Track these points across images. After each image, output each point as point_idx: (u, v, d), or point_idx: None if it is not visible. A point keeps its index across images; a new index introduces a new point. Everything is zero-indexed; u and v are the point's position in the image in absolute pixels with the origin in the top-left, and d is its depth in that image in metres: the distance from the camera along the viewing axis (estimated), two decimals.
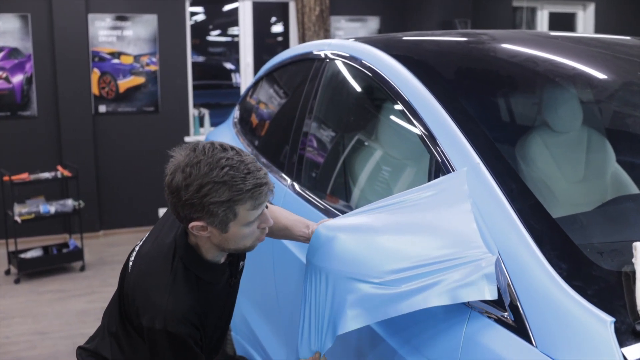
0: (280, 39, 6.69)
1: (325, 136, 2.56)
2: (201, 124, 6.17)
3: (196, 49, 6.25)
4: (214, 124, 6.19)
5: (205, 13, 6.40)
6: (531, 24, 6.98)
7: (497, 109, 2.41)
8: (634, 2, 7.09)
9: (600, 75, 2.14)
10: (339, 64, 2.33)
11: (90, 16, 5.68)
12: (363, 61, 2.05)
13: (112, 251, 5.48)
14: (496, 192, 1.36)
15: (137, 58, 5.79)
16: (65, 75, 5.64)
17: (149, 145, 5.90)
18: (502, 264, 1.26)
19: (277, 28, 6.74)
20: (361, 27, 6.47)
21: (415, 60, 1.93)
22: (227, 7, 6.43)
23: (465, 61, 2.06)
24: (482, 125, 1.58)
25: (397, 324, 1.45)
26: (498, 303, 1.25)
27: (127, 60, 5.79)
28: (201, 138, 5.99)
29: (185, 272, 1.49)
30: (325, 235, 1.48)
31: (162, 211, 5.98)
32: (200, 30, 6.40)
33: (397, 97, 1.78)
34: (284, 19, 6.53)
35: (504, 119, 2.46)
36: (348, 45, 2.26)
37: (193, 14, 6.08)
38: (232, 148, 1.40)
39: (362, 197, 2.26)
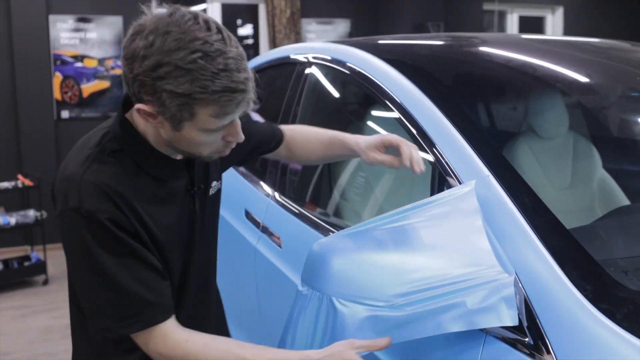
0: (250, 41, 6.55)
1: None
2: None
3: None
4: None
5: None
6: (501, 27, 6.99)
7: (488, 114, 2.34)
8: (602, 6, 7.17)
9: (586, 80, 2.08)
10: (324, 68, 2.22)
11: (52, 17, 5.46)
12: (350, 65, 1.95)
13: None
14: (509, 207, 1.26)
15: (101, 61, 5.59)
16: (25, 79, 5.40)
17: None
18: (521, 285, 1.17)
19: (247, 30, 6.61)
20: (332, 30, 6.38)
21: (408, 63, 1.83)
22: (195, 9, 6.26)
23: (453, 64, 1.98)
24: (484, 131, 1.49)
25: (403, 349, 1.35)
26: (517, 327, 1.16)
27: (91, 63, 5.59)
28: None
29: (118, 153, 1.19)
30: (321, 253, 1.36)
31: None
32: None
33: (390, 100, 1.68)
34: (254, 21, 6.39)
35: (493, 124, 2.40)
36: (333, 49, 2.16)
37: None
38: (220, 31, 1.09)
39: (353, 210, 2.16)
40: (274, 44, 6.04)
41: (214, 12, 6.04)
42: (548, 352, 1.09)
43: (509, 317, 1.14)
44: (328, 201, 2.29)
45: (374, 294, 1.26)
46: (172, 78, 1.05)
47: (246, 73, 1.10)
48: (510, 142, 2.28)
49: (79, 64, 5.55)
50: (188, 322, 1.28)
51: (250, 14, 6.43)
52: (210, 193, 1.39)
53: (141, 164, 1.21)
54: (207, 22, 1.09)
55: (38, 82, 5.45)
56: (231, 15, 6.37)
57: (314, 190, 2.34)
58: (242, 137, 1.20)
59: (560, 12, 7.03)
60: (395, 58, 1.87)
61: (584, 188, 2.39)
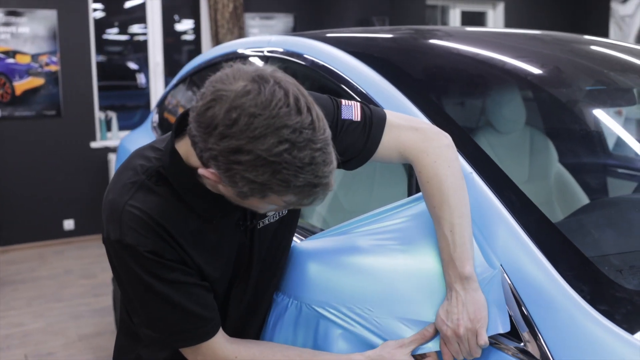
0: (191, 37, 6.36)
1: None
2: (108, 128, 5.75)
3: (99, 48, 5.82)
4: (122, 127, 5.79)
5: (107, 9, 5.96)
6: (444, 22, 7.05)
7: (451, 108, 2.30)
8: (542, 1, 7.33)
9: (543, 75, 2.06)
10: (279, 61, 2.12)
11: None
12: (310, 57, 1.86)
13: (13, 269, 4.97)
14: (496, 205, 1.21)
15: (35, 57, 5.30)
16: None
17: (50, 152, 5.41)
18: (514, 289, 1.12)
19: (187, 26, 6.41)
20: (275, 25, 6.27)
21: (375, 56, 1.76)
22: (132, 3, 6.03)
23: (413, 56, 1.92)
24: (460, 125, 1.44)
25: None
26: (510, 333, 1.10)
27: (23, 59, 5.28)
28: (108, 143, 5.59)
29: (162, 182, 1.11)
30: (296, 259, 1.28)
31: (67, 223, 5.52)
32: (102, 27, 5.96)
33: (353, 91, 1.60)
34: (195, 16, 6.21)
35: (454, 118, 2.36)
36: (290, 41, 2.07)
37: (95, 10, 5.65)
38: (310, 111, 0.95)
39: (316, 211, 2.08)
40: (216, 39, 5.88)
41: (154, 8, 5.83)
42: (545, 357, 1.04)
43: (501, 324, 1.09)
44: None
45: (356, 303, 1.19)
46: (252, 167, 0.93)
47: (331, 165, 0.97)
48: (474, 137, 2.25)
49: (10, 60, 5.23)
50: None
51: (191, 9, 6.24)
52: (269, 222, 1.25)
53: (189, 200, 1.12)
54: (298, 101, 0.94)
55: None
56: (171, 10, 6.17)
57: None
58: (305, 206, 1.06)
59: (501, 7, 7.14)
60: (358, 50, 1.79)
61: (541, 182, 2.39)
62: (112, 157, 5.54)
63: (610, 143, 2.38)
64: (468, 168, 1.28)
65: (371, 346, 1.18)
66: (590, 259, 1.13)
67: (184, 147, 1.09)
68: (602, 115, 2.29)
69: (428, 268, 1.19)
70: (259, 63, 2.21)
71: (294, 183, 0.94)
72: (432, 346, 1.16)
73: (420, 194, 1.26)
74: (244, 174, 0.94)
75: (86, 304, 4.16)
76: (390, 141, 1.25)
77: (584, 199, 2.11)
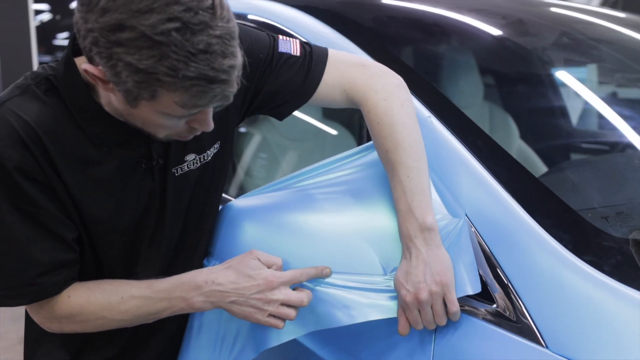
0: None
1: None
2: None
3: (43, 51, 5.50)
4: None
5: (52, 11, 5.67)
6: None
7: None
8: None
9: (503, 44, 1.92)
10: None
11: None
12: (255, 18, 1.67)
13: None
14: (460, 151, 1.04)
15: None
16: None
17: None
18: (483, 242, 0.95)
19: None
20: None
21: (320, 9, 1.58)
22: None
23: (365, 9, 1.75)
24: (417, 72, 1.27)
25: (333, 335, 1.09)
26: (481, 294, 0.93)
27: None
28: None
29: (56, 96, 0.94)
30: (231, 219, 1.08)
31: None
32: (46, 30, 5.65)
33: None
34: None
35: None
36: (234, 4, 1.87)
37: (38, 12, 5.34)
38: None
39: (254, 185, 1.89)
40: None
41: None
42: (526, 321, 0.87)
43: (470, 285, 0.92)
44: (231, 180, 2.01)
45: (298, 265, 1.00)
46: (135, 48, 0.78)
47: (233, 59, 0.82)
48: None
49: None
50: None
51: None
52: (189, 168, 1.07)
53: (79, 120, 0.94)
54: None
55: None
56: None
57: None
58: (211, 127, 0.92)
59: None
60: (305, 4, 1.62)
61: None
62: None
63: (574, 118, 2.26)
64: (425, 112, 1.12)
65: (319, 318, 0.99)
66: (572, 206, 0.97)
67: (83, 60, 0.90)
68: (566, 89, 2.17)
69: (383, 224, 1.01)
70: None
71: (184, 72, 0.78)
72: (385, 313, 0.97)
73: (371, 142, 1.08)
74: (125, 58, 0.78)
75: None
76: (333, 78, 1.09)
77: None
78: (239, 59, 0.83)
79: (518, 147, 2.24)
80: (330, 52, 1.12)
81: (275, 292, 0.97)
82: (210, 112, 0.90)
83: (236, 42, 0.83)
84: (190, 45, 0.77)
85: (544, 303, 0.86)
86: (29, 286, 0.97)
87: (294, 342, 1.13)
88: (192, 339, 1.11)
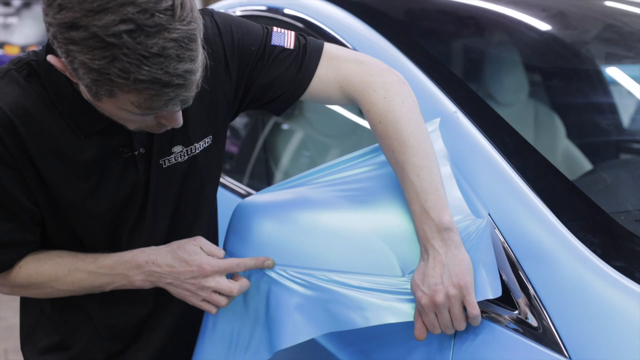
0: None
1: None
2: None
3: None
4: None
5: None
6: None
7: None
8: None
9: (549, 41, 1.84)
10: (256, 19, 1.91)
11: None
12: (294, 13, 1.64)
13: None
14: (484, 146, 0.99)
15: (24, 49, 5.15)
16: None
17: None
18: (505, 244, 0.89)
19: None
20: None
21: (355, 2, 1.54)
22: None
23: (406, 9, 1.70)
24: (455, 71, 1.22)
25: (352, 337, 1.06)
26: (502, 299, 0.88)
27: (12, 51, 5.15)
28: None
29: (36, 82, 0.95)
30: (247, 214, 1.05)
31: None
32: None
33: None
34: None
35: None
36: None
37: None
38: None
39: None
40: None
41: None
42: (549, 330, 0.81)
43: (491, 288, 0.87)
44: (270, 181, 2.00)
45: (322, 265, 0.97)
46: (88, 48, 0.77)
47: (190, 63, 0.80)
48: None
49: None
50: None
51: None
52: (177, 160, 1.05)
53: (58, 106, 0.95)
54: None
55: None
56: None
57: (253, 170, 2.04)
58: (179, 124, 0.91)
59: None
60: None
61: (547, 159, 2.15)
62: None
63: (626, 118, 2.15)
64: (452, 107, 1.06)
65: (333, 319, 0.96)
66: (603, 208, 0.91)
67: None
68: (617, 87, 2.07)
69: (402, 224, 0.97)
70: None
71: (136, 76, 0.77)
72: (401, 317, 0.93)
73: None
74: (79, 56, 0.77)
75: None
76: (328, 74, 1.06)
77: None
78: (197, 62, 0.81)
79: (564, 146, 2.15)
80: (326, 46, 1.09)
81: (209, 279, 0.99)
82: (176, 111, 0.88)
83: (196, 45, 0.81)
84: (142, 49, 0.76)
85: (569, 311, 0.80)
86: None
87: (312, 342, 1.11)
88: (206, 338, 1.09)
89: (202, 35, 0.82)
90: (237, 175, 2.00)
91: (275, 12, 1.74)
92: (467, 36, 1.85)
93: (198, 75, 0.83)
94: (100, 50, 0.76)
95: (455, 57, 1.80)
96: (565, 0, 1.83)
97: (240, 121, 2.21)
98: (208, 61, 0.88)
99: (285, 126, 2.11)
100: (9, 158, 0.93)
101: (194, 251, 1.00)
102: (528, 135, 2.16)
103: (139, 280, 1.02)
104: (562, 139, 2.15)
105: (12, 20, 5.12)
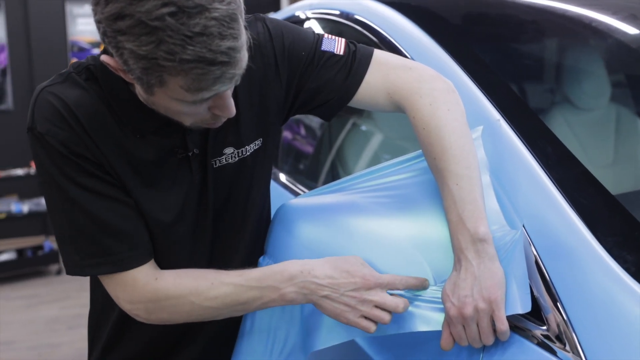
0: None
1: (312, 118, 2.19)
2: None
3: None
4: None
5: None
6: None
7: (518, 85, 2.02)
8: None
9: (634, 43, 1.75)
10: (325, 24, 1.94)
11: (68, 3, 5.31)
12: (358, 17, 1.64)
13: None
14: (524, 156, 0.97)
15: None
16: (43, 67, 5.25)
17: None
18: (539, 259, 0.88)
19: None
20: None
21: (417, 7, 1.53)
22: None
23: (473, 17, 1.67)
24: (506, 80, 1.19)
25: (389, 342, 1.07)
26: (532, 313, 0.86)
27: None
28: None
29: (92, 82, 0.99)
30: (288, 218, 1.08)
31: None
32: None
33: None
34: None
35: (521, 94, 2.09)
36: (336, 2, 1.87)
37: None
38: None
39: None
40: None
41: None
42: (573, 346, 0.79)
43: (521, 303, 0.85)
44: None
45: None
46: (134, 35, 0.80)
47: (233, 41, 0.82)
48: (543, 114, 1.97)
49: (96, 50, 5.39)
50: None
51: None
52: (227, 161, 1.07)
53: (115, 107, 0.99)
54: None
55: (55, 69, 5.20)
56: None
57: (325, 171, 2.07)
58: (232, 112, 0.92)
59: None
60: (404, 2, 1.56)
61: (628, 166, 2.06)
62: None
63: None
64: (495, 114, 1.05)
65: None
66: None
67: None
68: None
69: (438, 232, 0.97)
70: (316, 27, 2.03)
71: (181, 55, 0.79)
72: (432, 326, 0.93)
73: None
74: (128, 45, 0.80)
75: None
76: (376, 80, 1.07)
77: None
78: (240, 40, 0.82)
79: None
80: (376, 52, 1.09)
81: (372, 292, 0.93)
82: (227, 96, 0.90)
83: (237, 24, 0.82)
84: (185, 29, 0.78)
85: (596, 332, 0.78)
86: (107, 255, 0.99)
87: (352, 343, 1.12)
88: (244, 339, 1.13)
89: (243, 17, 0.84)
90: (310, 176, 2.04)
91: (346, 18, 1.75)
92: (532, 41, 1.79)
93: (242, 53, 0.84)
94: (146, 36, 0.79)
95: (521, 62, 1.75)
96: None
97: (317, 120, 2.24)
98: (251, 40, 0.88)
99: (351, 128, 2.12)
100: (86, 149, 0.97)
101: (356, 262, 0.95)
102: (608, 140, 2.08)
103: (291, 292, 0.95)
104: None
105: None
